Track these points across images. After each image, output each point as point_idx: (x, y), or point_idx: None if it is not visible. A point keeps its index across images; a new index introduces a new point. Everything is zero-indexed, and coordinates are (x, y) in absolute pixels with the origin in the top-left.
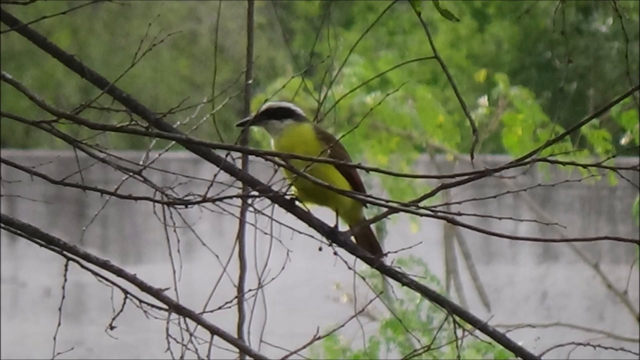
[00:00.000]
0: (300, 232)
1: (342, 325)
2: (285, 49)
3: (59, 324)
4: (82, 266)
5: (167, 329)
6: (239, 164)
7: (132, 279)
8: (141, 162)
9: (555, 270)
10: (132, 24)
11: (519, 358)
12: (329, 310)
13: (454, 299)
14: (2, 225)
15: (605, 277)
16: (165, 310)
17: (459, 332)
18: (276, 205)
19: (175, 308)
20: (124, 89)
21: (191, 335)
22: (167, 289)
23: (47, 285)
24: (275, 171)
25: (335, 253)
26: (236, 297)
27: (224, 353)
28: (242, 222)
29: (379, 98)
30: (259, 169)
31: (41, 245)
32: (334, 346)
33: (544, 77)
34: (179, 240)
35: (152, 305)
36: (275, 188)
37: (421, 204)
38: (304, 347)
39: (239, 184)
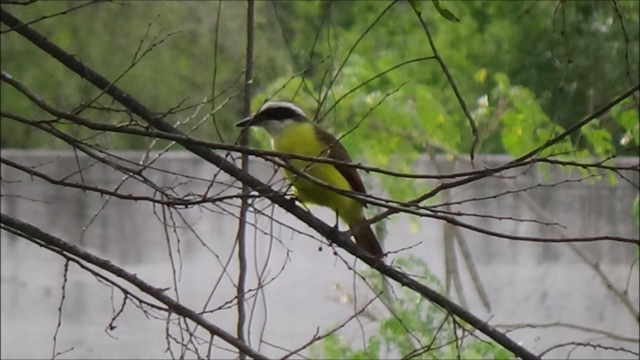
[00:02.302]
0: (300, 232)
1: (342, 325)
2: (285, 49)
3: (59, 324)
4: (82, 266)
5: (167, 329)
6: (239, 164)
7: (132, 279)
8: (141, 162)
9: (555, 270)
10: (132, 24)
11: (519, 358)
12: (329, 310)
13: (454, 299)
14: (2, 225)
15: (605, 277)
16: (165, 310)
17: (459, 332)
18: (276, 205)
19: (175, 308)
20: (124, 89)
21: (191, 335)
22: (167, 289)
23: (47, 285)
24: (275, 171)
25: (335, 253)
26: (236, 297)
27: (224, 353)
28: (242, 222)
29: (379, 98)
30: (259, 169)
31: (41, 245)
32: (334, 346)
33: (544, 77)
34: (179, 240)
35: (152, 305)
36: (275, 188)
37: (421, 204)
38: (304, 347)
39: (239, 184)
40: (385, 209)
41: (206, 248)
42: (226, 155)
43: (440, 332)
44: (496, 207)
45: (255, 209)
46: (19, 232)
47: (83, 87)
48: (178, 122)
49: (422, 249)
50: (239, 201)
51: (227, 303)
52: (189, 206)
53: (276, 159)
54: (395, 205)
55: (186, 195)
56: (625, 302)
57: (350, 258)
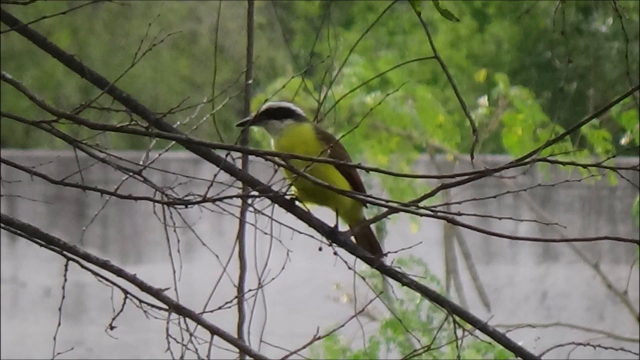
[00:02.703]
0: (300, 232)
1: (342, 325)
2: (285, 49)
3: (59, 324)
4: (82, 266)
5: (167, 329)
6: (239, 164)
7: (132, 279)
8: (141, 162)
9: (555, 270)
10: (132, 24)
11: (519, 358)
12: (329, 310)
13: (454, 299)
14: (2, 225)
15: (605, 277)
16: (165, 310)
17: (459, 332)
18: (276, 205)
19: (175, 308)
20: (124, 89)
21: (191, 335)
22: (167, 289)
23: (47, 285)
24: (275, 171)
25: (335, 253)
26: (236, 297)
27: (224, 353)
28: (242, 222)
29: (379, 98)
30: (259, 169)
31: (41, 245)
32: (334, 346)
33: (544, 77)
34: (179, 240)
35: (152, 305)
36: (275, 188)
37: (421, 204)
38: (304, 347)
39: (239, 184)
40: (385, 209)
41: (206, 248)
42: (226, 155)
43: (440, 332)
44: (496, 207)
45: (255, 209)
46: (19, 232)
47: (83, 87)
48: (178, 122)
49: (422, 249)
50: (239, 201)
51: (227, 303)
52: (189, 206)
53: (276, 159)
54: (395, 205)
55: (186, 195)
56: (625, 302)
57: (350, 258)
